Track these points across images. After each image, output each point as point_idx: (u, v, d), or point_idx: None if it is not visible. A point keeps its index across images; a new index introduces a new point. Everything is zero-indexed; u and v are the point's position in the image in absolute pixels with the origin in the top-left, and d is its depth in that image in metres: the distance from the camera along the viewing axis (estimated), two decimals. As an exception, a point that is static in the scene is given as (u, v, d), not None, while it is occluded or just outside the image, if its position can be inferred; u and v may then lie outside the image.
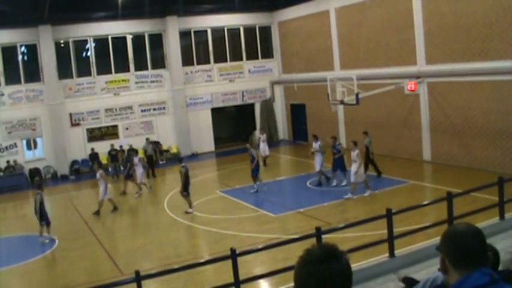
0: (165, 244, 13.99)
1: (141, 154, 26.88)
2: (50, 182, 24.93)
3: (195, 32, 28.79)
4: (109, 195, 17.67)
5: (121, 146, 24.83)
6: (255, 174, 18.33)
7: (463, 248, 2.15)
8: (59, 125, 25.43)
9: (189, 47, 28.72)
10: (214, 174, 23.78)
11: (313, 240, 9.34)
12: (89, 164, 25.79)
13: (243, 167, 23.80)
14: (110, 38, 26.71)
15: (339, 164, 17.88)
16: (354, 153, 16.14)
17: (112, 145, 24.69)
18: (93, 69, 26.57)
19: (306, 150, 22.91)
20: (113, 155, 24.12)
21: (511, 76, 16.80)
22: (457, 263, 2.15)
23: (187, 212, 16.43)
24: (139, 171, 20.09)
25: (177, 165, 18.73)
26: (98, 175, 17.55)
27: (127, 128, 27.15)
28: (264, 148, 23.57)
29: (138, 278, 8.25)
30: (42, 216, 14.84)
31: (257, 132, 30.16)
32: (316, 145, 18.69)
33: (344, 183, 17.52)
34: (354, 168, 16.15)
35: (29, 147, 25.61)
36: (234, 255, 8.67)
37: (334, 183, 17.93)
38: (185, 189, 16.67)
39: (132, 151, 21.94)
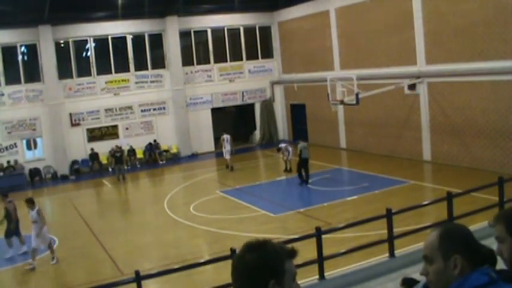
0: (165, 244, 13.99)
1: (140, 154, 26.93)
2: (50, 182, 24.98)
3: (195, 32, 28.77)
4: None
5: (120, 147, 24.78)
6: None
7: (478, 247, 2.13)
8: (59, 125, 25.40)
9: (189, 47, 28.70)
10: (214, 174, 23.76)
11: (313, 240, 9.34)
12: (89, 164, 25.86)
13: (243, 167, 23.88)
14: (110, 38, 26.69)
15: None
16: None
17: (117, 146, 24.56)
18: (93, 69, 26.55)
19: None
20: (117, 156, 23.91)
21: (511, 76, 16.80)
22: (475, 263, 2.10)
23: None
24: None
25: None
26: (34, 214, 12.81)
27: (127, 128, 27.12)
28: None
29: (138, 278, 8.25)
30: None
31: (256, 134, 30.14)
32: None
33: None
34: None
35: (29, 147, 25.59)
36: (234, 255, 8.66)
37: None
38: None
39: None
